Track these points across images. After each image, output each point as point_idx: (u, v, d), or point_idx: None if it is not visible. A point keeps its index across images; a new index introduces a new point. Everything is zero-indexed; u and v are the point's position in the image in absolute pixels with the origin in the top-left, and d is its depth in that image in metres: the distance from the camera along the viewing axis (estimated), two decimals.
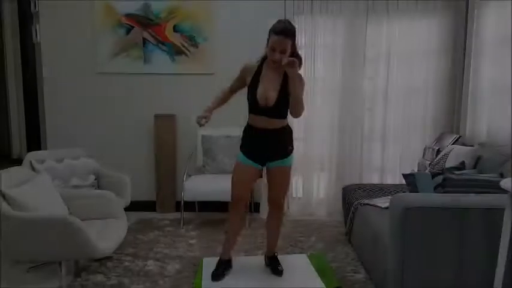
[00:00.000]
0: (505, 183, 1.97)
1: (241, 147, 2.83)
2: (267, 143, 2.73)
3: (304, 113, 2.76)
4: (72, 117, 4.52)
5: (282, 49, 2.54)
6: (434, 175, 2.79)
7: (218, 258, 2.96)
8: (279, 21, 2.62)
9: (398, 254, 2.17)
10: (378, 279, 2.66)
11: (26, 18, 4.41)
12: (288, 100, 2.66)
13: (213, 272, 2.85)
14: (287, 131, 2.78)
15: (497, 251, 2.00)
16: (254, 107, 2.70)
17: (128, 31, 4.38)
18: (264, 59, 2.71)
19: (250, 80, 2.70)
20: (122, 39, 4.40)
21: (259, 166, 2.79)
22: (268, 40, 2.61)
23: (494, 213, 2.11)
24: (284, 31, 2.54)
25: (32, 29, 4.42)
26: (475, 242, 2.15)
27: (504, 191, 1.98)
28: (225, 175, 4.19)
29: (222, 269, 2.88)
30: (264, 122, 2.69)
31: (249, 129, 2.79)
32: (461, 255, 2.16)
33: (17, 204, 2.44)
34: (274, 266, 2.96)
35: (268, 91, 2.64)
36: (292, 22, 2.67)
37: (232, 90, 2.87)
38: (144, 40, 4.39)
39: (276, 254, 3.03)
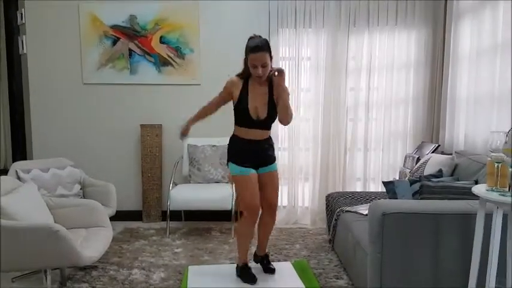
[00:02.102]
0: (477, 189, 2.06)
1: (232, 158, 2.87)
2: (260, 151, 2.88)
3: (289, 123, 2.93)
4: (59, 128, 4.54)
5: (263, 63, 2.68)
6: (412, 182, 2.88)
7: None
8: (251, 39, 2.75)
9: (376, 258, 2.24)
10: (359, 284, 2.73)
11: (13, 30, 4.44)
12: (275, 112, 2.85)
13: (245, 279, 2.92)
14: (271, 140, 2.98)
15: (471, 254, 2.08)
16: (247, 121, 2.81)
17: (114, 42, 4.44)
18: (245, 73, 2.82)
19: (239, 95, 2.80)
20: (108, 51, 4.45)
21: (255, 170, 2.88)
22: (246, 58, 2.75)
23: (468, 218, 2.20)
24: (259, 46, 2.68)
25: (18, 41, 4.45)
26: (450, 245, 2.23)
27: (477, 197, 2.07)
28: (211, 184, 4.27)
29: (250, 272, 2.95)
30: (255, 134, 2.85)
31: (239, 141, 2.87)
32: (438, 259, 2.23)
33: (3, 213, 2.45)
34: (266, 265, 3.06)
35: (259, 106, 2.80)
36: (261, 36, 2.79)
37: (219, 105, 2.95)
38: (130, 51, 4.45)
39: (268, 252, 3.12)
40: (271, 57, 2.74)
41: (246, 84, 2.82)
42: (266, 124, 2.87)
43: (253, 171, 2.85)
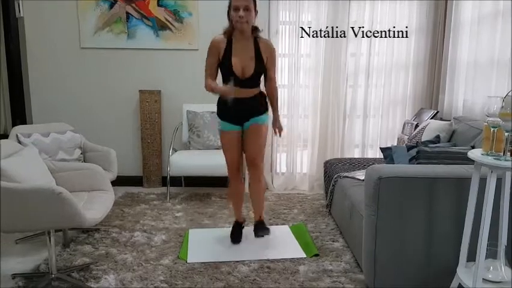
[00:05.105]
0: (472, 153, 2.08)
1: (218, 114, 2.98)
2: (243, 109, 2.87)
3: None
4: (57, 92, 4.53)
5: (245, 6, 2.64)
6: (409, 148, 2.91)
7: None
8: None
9: (372, 221, 2.29)
10: (354, 246, 2.80)
11: None
12: (262, 69, 2.83)
13: (231, 235, 3.11)
14: (260, 96, 2.94)
15: (465, 218, 2.13)
16: (230, 79, 2.77)
17: (111, 5, 4.36)
18: (230, 31, 2.79)
19: (223, 53, 2.79)
20: (105, 14, 4.38)
21: (239, 127, 2.93)
22: (229, 7, 2.73)
23: (463, 182, 2.24)
24: None
25: (15, 4, 4.37)
26: (444, 209, 2.28)
27: (473, 162, 2.09)
28: (210, 150, 4.30)
29: (237, 231, 3.15)
30: (242, 92, 2.80)
31: (224, 99, 2.88)
32: (432, 222, 2.28)
33: (5, 175, 2.48)
34: (257, 230, 3.13)
35: (244, 62, 2.76)
36: None
37: (214, 74, 2.89)
38: (128, 15, 4.38)
39: (261, 218, 3.18)
40: (255, 6, 2.71)
41: (230, 41, 2.79)
42: (253, 82, 2.82)
43: (235, 127, 2.91)
